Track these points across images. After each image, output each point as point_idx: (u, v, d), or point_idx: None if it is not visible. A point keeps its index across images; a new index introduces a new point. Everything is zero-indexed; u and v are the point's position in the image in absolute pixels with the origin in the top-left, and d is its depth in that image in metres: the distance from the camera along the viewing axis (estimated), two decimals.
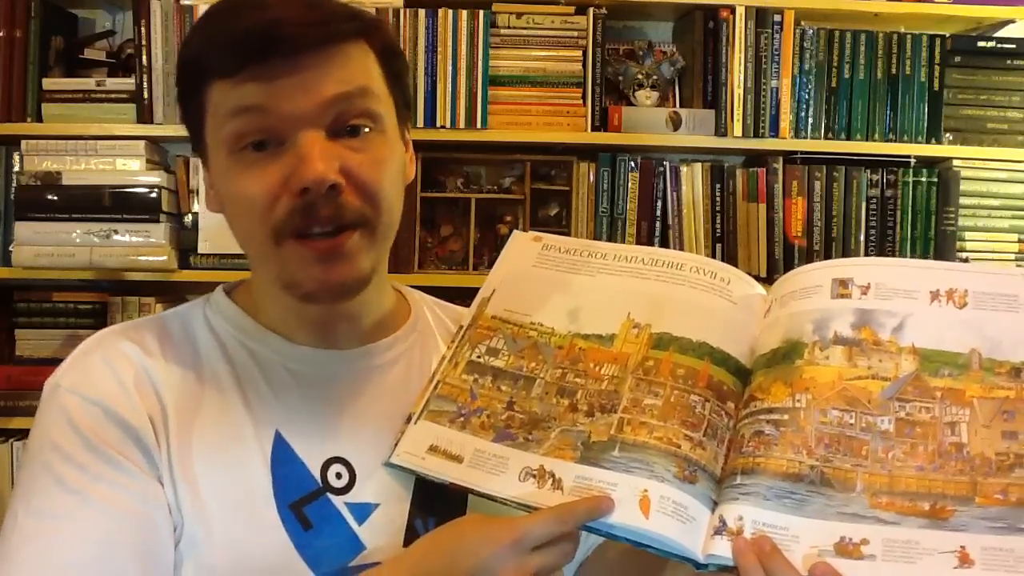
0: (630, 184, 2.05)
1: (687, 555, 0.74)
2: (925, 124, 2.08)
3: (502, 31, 2.03)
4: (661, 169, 2.06)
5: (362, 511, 0.84)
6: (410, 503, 0.86)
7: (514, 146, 2.04)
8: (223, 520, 0.80)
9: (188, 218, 1.99)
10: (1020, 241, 2.10)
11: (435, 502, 0.85)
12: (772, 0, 2.03)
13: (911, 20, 2.12)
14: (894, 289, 0.80)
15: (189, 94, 0.84)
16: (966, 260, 2.05)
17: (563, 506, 0.75)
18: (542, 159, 2.08)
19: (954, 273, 0.81)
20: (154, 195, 1.94)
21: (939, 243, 2.07)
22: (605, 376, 0.83)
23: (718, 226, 2.07)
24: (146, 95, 1.96)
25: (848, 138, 2.08)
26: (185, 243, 1.99)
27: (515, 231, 0.99)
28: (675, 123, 2.05)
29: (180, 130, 2.10)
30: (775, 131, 2.05)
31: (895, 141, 2.08)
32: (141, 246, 1.94)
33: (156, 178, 1.96)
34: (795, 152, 2.07)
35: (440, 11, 1.99)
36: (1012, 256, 2.09)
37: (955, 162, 2.08)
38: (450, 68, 1.99)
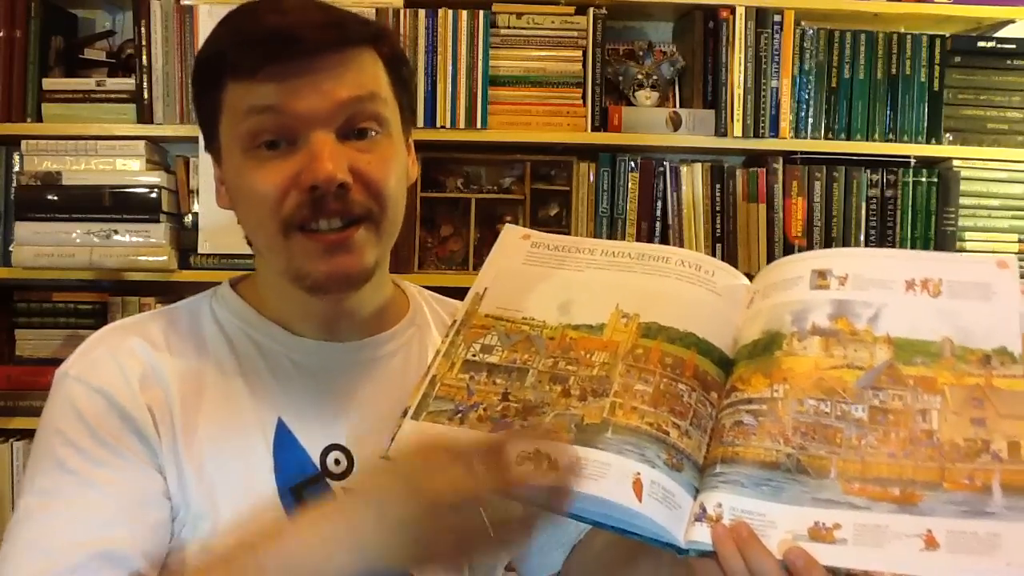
0: (630, 184, 2.05)
1: (671, 541, 0.75)
2: (925, 124, 2.08)
3: (502, 31, 2.03)
4: (661, 169, 2.06)
5: None
6: None
7: (514, 146, 2.04)
8: (228, 502, 0.85)
9: (188, 218, 1.99)
10: (1020, 241, 2.10)
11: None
12: (772, 0, 2.03)
13: (911, 20, 2.12)
14: (871, 279, 0.82)
15: (206, 92, 0.88)
16: None
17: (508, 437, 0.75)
18: (542, 159, 2.08)
19: (930, 262, 0.82)
20: (154, 195, 1.94)
21: (939, 243, 2.07)
22: (596, 363, 0.85)
23: (718, 226, 2.07)
24: (146, 95, 1.96)
25: (848, 138, 2.08)
26: (185, 243, 1.99)
27: (507, 225, 1.00)
28: (675, 123, 2.05)
29: (180, 130, 2.11)
30: (775, 131, 2.05)
31: (895, 141, 2.08)
32: (141, 246, 1.94)
33: (156, 178, 1.96)
34: (795, 152, 2.07)
35: (440, 11, 1.99)
36: (1012, 256, 2.09)
37: (955, 162, 2.08)
38: (450, 68, 1.99)
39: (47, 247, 1.93)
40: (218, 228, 1.93)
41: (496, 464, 0.71)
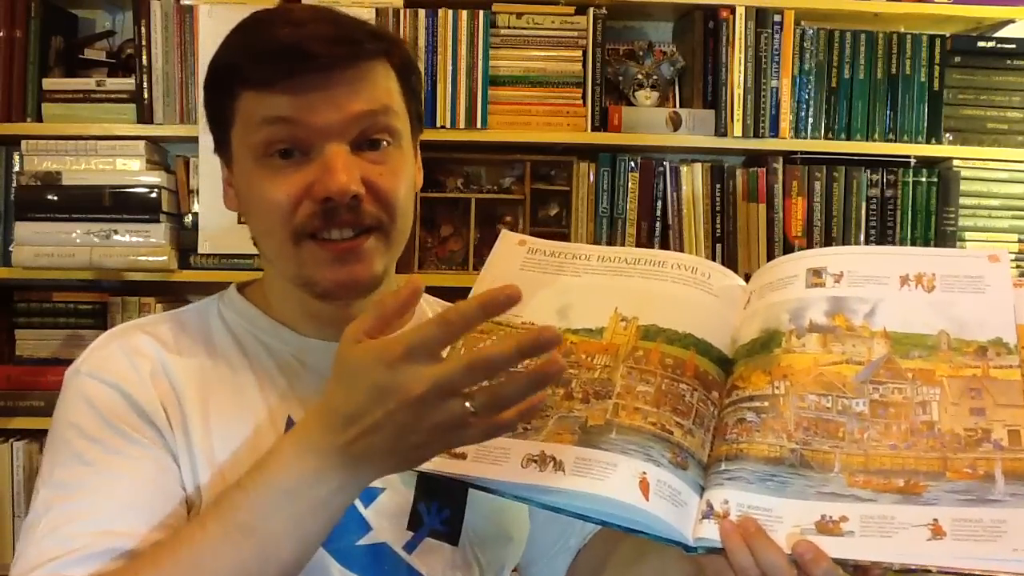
0: (630, 184, 2.05)
1: (679, 539, 0.75)
2: (925, 124, 2.08)
3: (502, 31, 2.03)
4: (661, 169, 2.06)
5: (368, 494, 0.88)
6: (415, 488, 0.91)
7: (514, 146, 2.04)
8: None
9: (188, 218, 1.99)
10: (1020, 241, 2.10)
11: (438, 486, 0.89)
12: (772, 0, 2.03)
13: (911, 20, 2.12)
14: (865, 276, 0.83)
15: (219, 99, 0.89)
16: None
17: (450, 309, 0.70)
18: (542, 159, 2.08)
19: (922, 258, 0.84)
20: (154, 195, 1.94)
21: (939, 243, 2.07)
22: (597, 365, 0.85)
23: (718, 226, 2.07)
24: (146, 95, 1.96)
25: (848, 138, 2.08)
26: (185, 243, 1.99)
27: (503, 231, 1.01)
28: (675, 123, 2.05)
29: (180, 130, 2.11)
30: (775, 131, 2.05)
31: (895, 141, 2.08)
32: (141, 246, 1.94)
33: (156, 178, 1.96)
34: (795, 152, 2.07)
35: (440, 11, 1.99)
36: (1012, 256, 2.08)
37: (955, 162, 2.08)
38: (450, 68, 1.99)
39: (47, 247, 1.93)
40: (218, 228, 1.93)
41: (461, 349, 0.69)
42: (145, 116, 1.96)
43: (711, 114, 2.05)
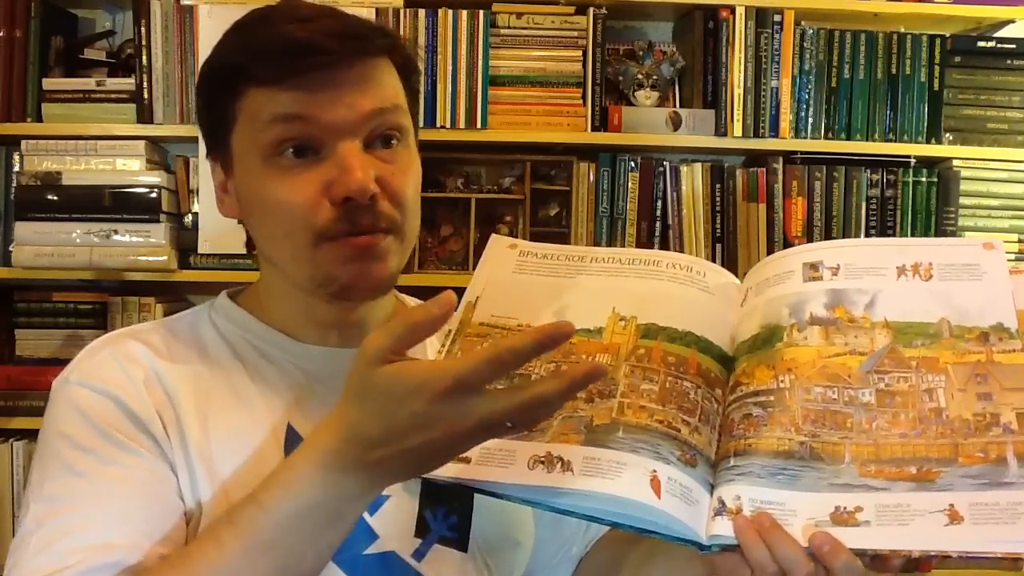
0: (630, 184, 2.05)
1: (692, 538, 0.74)
2: (925, 124, 2.08)
3: (502, 31, 2.03)
4: (661, 169, 2.06)
5: (373, 502, 0.84)
6: (420, 495, 0.89)
7: (514, 146, 2.04)
8: None
9: (188, 218, 1.99)
10: (1020, 241, 2.10)
11: (444, 493, 0.88)
12: (772, 0, 2.03)
13: (911, 20, 2.12)
14: (863, 268, 0.83)
15: (217, 100, 0.87)
16: None
17: (504, 348, 0.67)
18: (542, 159, 2.08)
19: (918, 248, 0.84)
20: (154, 195, 1.94)
21: None
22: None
23: (718, 226, 2.07)
24: (146, 95, 1.96)
25: (848, 138, 2.08)
26: (185, 243, 1.99)
27: (493, 235, 0.99)
28: (675, 123, 2.05)
29: (180, 130, 2.11)
30: (775, 131, 2.05)
31: (895, 141, 2.08)
32: (141, 246, 1.94)
33: (156, 178, 1.96)
34: (795, 152, 2.07)
35: (440, 11, 1.99)
36: (1012, 256, 2.09)
37: (955, 162, 2.08)
38: (450, 68, 1.99)
39: (47, 247, 1.93)
40: (218, 228, 1.93)
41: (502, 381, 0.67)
42: (145, 116, 1.96)
43: (711, 114, 2.05)
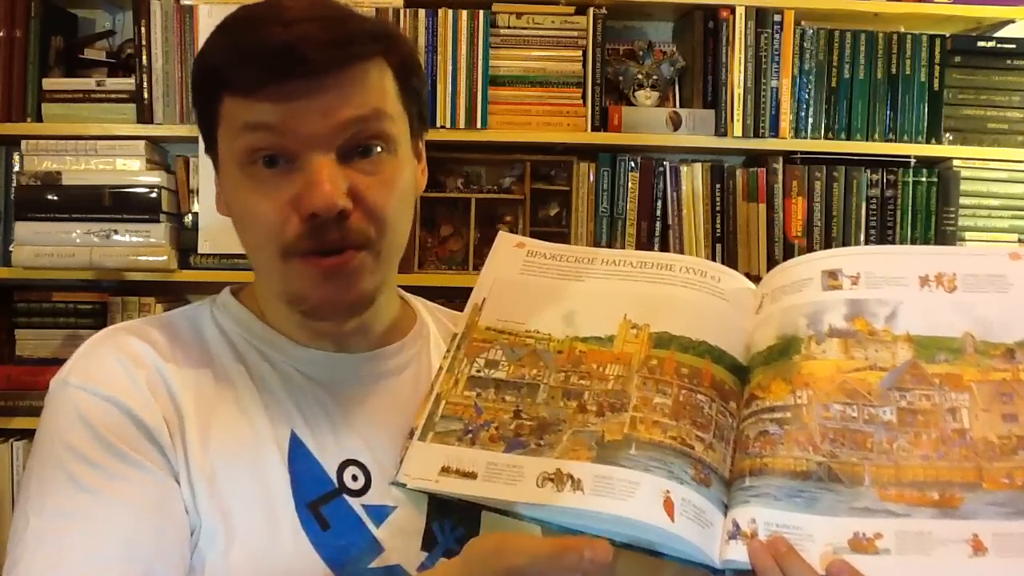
0: (630, 184, 2.05)
1: (705, 561, 0.73)
2: (925, 124, 2.08)
3: (502, 31, 2.03)
4: (661, 169, 2.06)
5: (379, 513, 0.84)
6: (428, 505, 0.86)
7: (514, 146, 2.04)
8: (242, 517, 0.80)
9: (188, 218, 1.99)
10: (1020, 241, 2.10)
11: (452, 505, 0.84)
12: (772, 0, 2.03)
13: (911, 20, 2.12)
14: (883, 277, 0.80)
15: (204, 102, 0.85)
16: None
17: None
18: (542, 159, 2.08)
19: (942, 257, 0.81)
20: (154, 195, 1.94)
21: (939, 243, 2.06)
22: (610, 376, 0.82)
23: (718, 226, 2.07)
24: (146, 95, 1.96)
25: (848, 138, 2.08)
26: (185, 243, 1.99)
27: (500, 232, 0.98)
28: (675, 123, 2.05)
29: (180, 130, 2.11)
30: (775, 131, 2.05)
31: (895, 141, 2.08)
32: (141, 246, 1.94)
33: (156, 178, 1.96)
34: (795, 152, 2.07)
35: (440, 11, 1.99)
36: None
37: (955, 162, 2.08)
38: (450, 68, 1.99)
39: (47, 247, 1.93)
40: (218, 228, 1.93)
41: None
42: (145, 116, 1.96)
43: (711, 114, 2.05)
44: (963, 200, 2.08)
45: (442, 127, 1.99)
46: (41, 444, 0.80)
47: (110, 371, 0.81)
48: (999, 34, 2.14)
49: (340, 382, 0.88)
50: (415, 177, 0.89)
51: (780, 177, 2.06)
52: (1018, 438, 0.71)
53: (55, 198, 1.93)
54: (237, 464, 0.82)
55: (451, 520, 0.86)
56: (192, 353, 0.86)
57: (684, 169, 2.07)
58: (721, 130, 2.04)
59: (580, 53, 2.04)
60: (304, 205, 0.78)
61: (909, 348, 0.77)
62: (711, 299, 0.86)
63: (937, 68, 2.08)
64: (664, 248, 2.05)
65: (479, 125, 2.00)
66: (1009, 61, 2.10)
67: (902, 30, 2.10)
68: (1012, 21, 2.12)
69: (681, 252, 2.03)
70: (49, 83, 1.98)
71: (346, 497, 0.84)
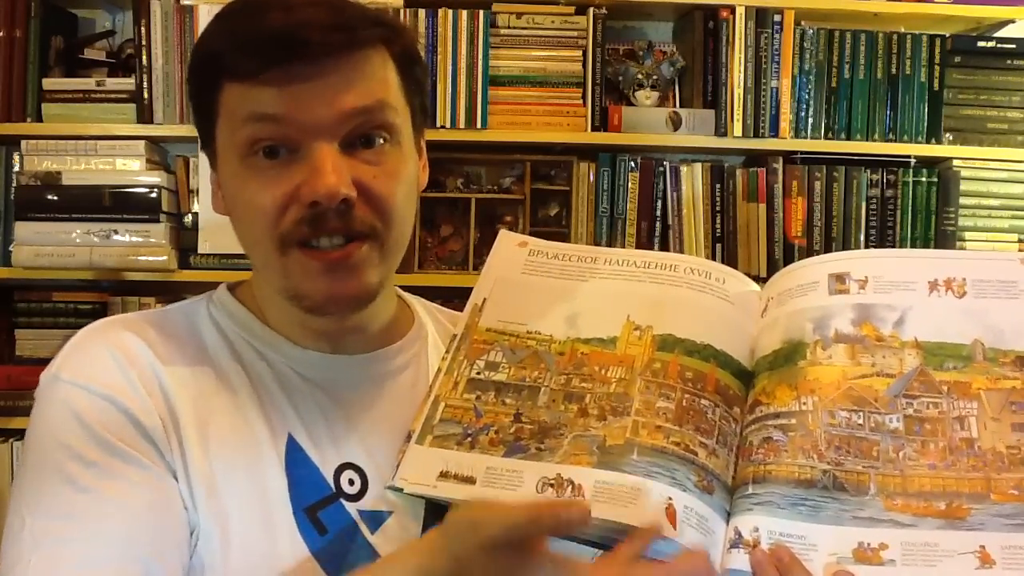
0: (630, 184, 2.05)
1: None
2: (925, 124, 2.08)
3: (502, 31, 2.03)
4: (661, 169, 2.06)
5: (375, 519, 0.83)
6: (424, 512, 0.84)
7: (514, 146, 2.04)
8: (240, 521, 0.79)
9: (188, 218, 1.99)
10: (1020, 241, 2.10)
11: (448, 508, 0.82)
12: (772, 0, 2.03)
13: (911, 20, 2.12)
14: (892, 282, 0.79)
15: (202, 93, 0.82)
16: None
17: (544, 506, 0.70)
18: (542, 159, 2.08)
19: (951, 261, 0.80)
20: (154, 195, 1.94)
21: (939, 243, 2.07)
22: (612, 379, 0.81)
23: (718, 226, 2.07)
24: (146, 95, 1.96)
25: (848, 138, 2.08)
26: (185, 243, 1.99)
27: (502, 231, 0.97)
28: (675, 123, 2.05)
29: (180, 130, 2.11)
30: (775, 131, 2.05)
31: (895, 141, 2.08)
32: (141, 246, 1.94)
33: (156, 178, 1.96)
34: (795, 152, 2.07)
35: (440, 11, 1.99)
36: None
37: (955, 162, 2.08)
38: (450, 68, 1.99)
39: (47, 247, 1.93)
40: (218, 228, 1.93)
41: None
42: (145, 116, 1.96)
43: (711, 114, 2.05)
44: (963, 200, 2.08)
45: (442, 127, 1.99)
46: (34, 442, 0.79)
47: (103, 368, 0.79)
48: (999, 34, 2.14)
49: (338, 384, 0.87)
50: (418, 171, 0.88)
51: (780, 177, 2.06)
52: None
53: (55, 198, 1.93)
54: (235, 467, 0.80)
55: None
56: (187, 351, 0.84)
57: (684, 169, 2.07)
58: (721, 130, 2.04)
59: (580, 53, 2.04)
60: (306, 193, 0.77)
61: (917, 355, 0.76)
62: (716, 301, 0.85)
63: (937, 68, 2.08)
64: (664, 248, 2.05)
65: (479, 125, 2.00)
66: (1009, 61, 2.10)
67: (902, 30, 2.10)
68: (1012, 21, 2.12)
69: (681, 252, 2.03)
70: (49, 83, 1.97)
71: (343, 502, 0.83)
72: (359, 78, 0.79)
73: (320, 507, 0.82)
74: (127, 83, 1.98)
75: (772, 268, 2.04)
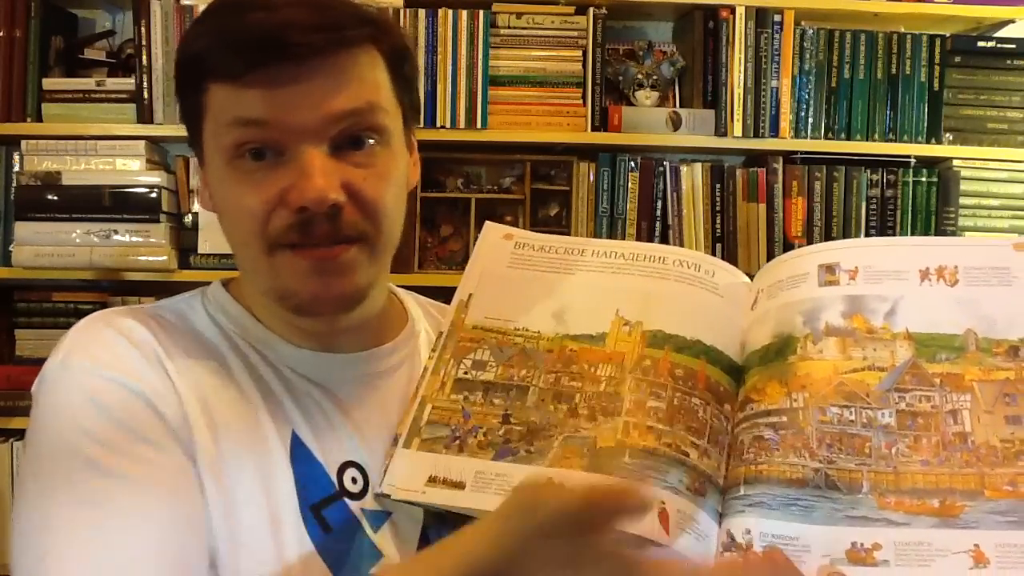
0: (630, 184, 2.05)
1: None
2: (925, 124, 2.08)
3: (502, 31, 2.03)
4: (661, 169, 2.06)
5: (377, 518, 0.82)
6: (423, 513, 0.83)
7: (514, 146, 2.04)
8: (249, 515, 0.77)
9: (188, 218, 1.99)
10: None
11: (449, 512, 0.80)
12: (772, 0, 2.03)
13: (911, 20, 2.12)
14: (882, 271, 0.77)
15: (188, 92, 0.81)
16: None
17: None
18: (542, 159, 2.08)
19: (943, 248, 0.78)
20: (154, 195, 1.94)
21: None
22: (602, 377, 0.80)
23: (718, 226, 2.07)
24: (146, 95, 1.96)
25: (848, 138, 2.08)
26: (185, 243, 1.99)
27: (487, 223, 0.94)
28: (675, 123, 2.05)
29: (180, 130, 2.09)
30: (775, 131, 2.05)
31: (895, 141, 2.08)
32: (141, 246, 1.94)
33: (156, 178, 1.96)
34: (795, 152, 2.07)
35: (440, 11, 1.99)
36: None
37: (955, 162, 2.08)
38: (450, 68, 1.99)
39: (47, 247, 1.93)
40: (218, 228, 1.91)
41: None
42: (145, 116, 1.96)
43: (711, 114, 2.05)
44: (963, 200, 2.08)
45: (442, 127, 1.99)
46: (45, 433, 0.75)
47: (114, 352, 0.77)
48: (999, 34, 2.14)
49: (335, 382, 0.86)
50: (408, 169, 0.86)
51: (780, 177, 2.06)
52: (1022, 442, 0.69)
53: (55, 198, 1.93)
54: (244, 462, 0.79)
55: (448, 527, 0.82)
56: (188, 343, 0.82)
57: (684, 169, 2.07)
58: (721, 130, 2.04)
59: (580, 53, 2.04)
60: (294, 198, 0.76)
61: (909, 346, 0.74)
62: (706, 295, 0.84)
63: (937, 68, 2.08)
64: None
65: (479, 125, 2.00)
66: (1009, 61, 2.10)
67: (902, 30, 2.10)
68: (1012, 21, 2.12)
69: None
70: (49, 83, 1.98)
71: (346, 500, 0.82)
72: (347, 80, 0.77)
73: (324, 505, 0.81)
74: (127, 83, 1.98)
75: None
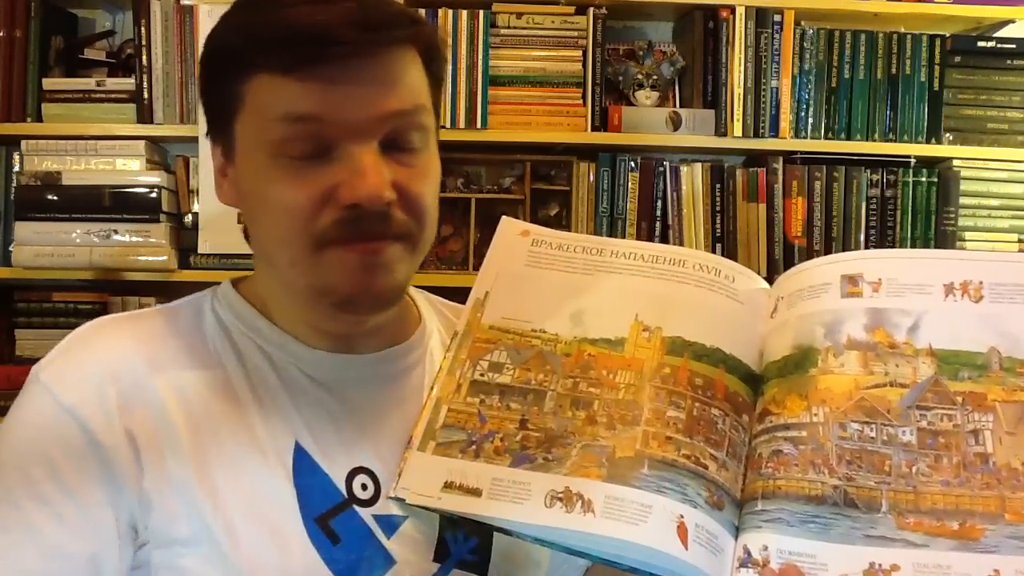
0: (630, 184, 2.05)
1: None
2: (925, 124, 2.08)
3: (502, 31, 2.03)
4: (661, 169, 2.06)
5: (390, 523, 0.81)
6: (439, 517, 0.81)
7: (514, 146, 2.04)
8: (248, 534, 0.76)
9: (188, 218, 1.99)
10: (1020, 241, 2.10)
11: (463, 518, 0.79)
12: (772, 0, 2.03)
13: (911, 20, 2.12)
14: (906, 284, 0.75)
15: (220, 83, 0.79)
16: None
17: None
18: (542, 159, 2.08)
19: (968, 263, 0.76)
20: (154, 195, 1.94)
21: (939, 243, 2.07)
22: (621, 384, 0.79)
23: (718, 226, 2.07)
24: (146, 95, 1.96)
25: (848, 138, 2.08)
26: (185, 243, 1.99)
27: (504, 218, 0.93)
28: (675, 123, 2.05)
29: (180, 130, 2.10)
30: (775, 131, 2.05)
31: (895, 141, 2.08)
32: (141, 246, 1.94)
33: (156, 178, 1.96)
34: (795, 152, 2.07)
35: (440, 11, 1.99)
36: None
37: (955, 162, 2.08)
38: (450, 68, 1.99)
39: (47, 247, 1.93)
40: (218, 228, 1.93)
41: None
42: (145, 116, 1.96)
43: (711, 114, 2.05)
44: (963, 200, 2.08)
45: (442, 127, 1.97)
46: (4, 439, 0.78)
47: (79, 376, 0.78)
48: (999, 34, 2.14)
49: (347, 384, 0.85)
50: (440, 168, 0.86)
51: (780, 177, 2.06)
52: None
53: (55, 198, 1.93)
54: (239, 480, 0.78)
55: (464, 530, 0.82)
56: (187, 354, 0.82)
57: (684, 169, 2.07)
58: (721, 130, 2.04)
59: (580, 53, 2.04)
60: (345, 195, 0.75)
61: (931, 363, 0.73)
62: (725, 301, 0.83)
63: (937, 68, 2.08)
64: None
65: (479, 125, 2.00)
66: (1009, 61, 2.10)
67: (902, 30, 2.10)
68: (1012, 21, 2.12)
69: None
70: (49, 83, 1.98)
71: (356, 508, 0.80)
72: (396, 80, 0.77)
73: (332, 515, 0.79)
74: (127, 83, 1.98)
75: (772, 268, 2.04)
